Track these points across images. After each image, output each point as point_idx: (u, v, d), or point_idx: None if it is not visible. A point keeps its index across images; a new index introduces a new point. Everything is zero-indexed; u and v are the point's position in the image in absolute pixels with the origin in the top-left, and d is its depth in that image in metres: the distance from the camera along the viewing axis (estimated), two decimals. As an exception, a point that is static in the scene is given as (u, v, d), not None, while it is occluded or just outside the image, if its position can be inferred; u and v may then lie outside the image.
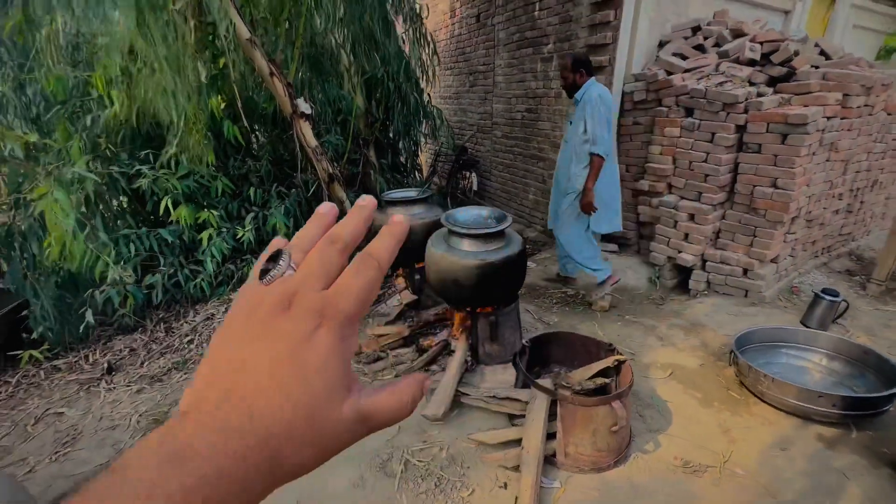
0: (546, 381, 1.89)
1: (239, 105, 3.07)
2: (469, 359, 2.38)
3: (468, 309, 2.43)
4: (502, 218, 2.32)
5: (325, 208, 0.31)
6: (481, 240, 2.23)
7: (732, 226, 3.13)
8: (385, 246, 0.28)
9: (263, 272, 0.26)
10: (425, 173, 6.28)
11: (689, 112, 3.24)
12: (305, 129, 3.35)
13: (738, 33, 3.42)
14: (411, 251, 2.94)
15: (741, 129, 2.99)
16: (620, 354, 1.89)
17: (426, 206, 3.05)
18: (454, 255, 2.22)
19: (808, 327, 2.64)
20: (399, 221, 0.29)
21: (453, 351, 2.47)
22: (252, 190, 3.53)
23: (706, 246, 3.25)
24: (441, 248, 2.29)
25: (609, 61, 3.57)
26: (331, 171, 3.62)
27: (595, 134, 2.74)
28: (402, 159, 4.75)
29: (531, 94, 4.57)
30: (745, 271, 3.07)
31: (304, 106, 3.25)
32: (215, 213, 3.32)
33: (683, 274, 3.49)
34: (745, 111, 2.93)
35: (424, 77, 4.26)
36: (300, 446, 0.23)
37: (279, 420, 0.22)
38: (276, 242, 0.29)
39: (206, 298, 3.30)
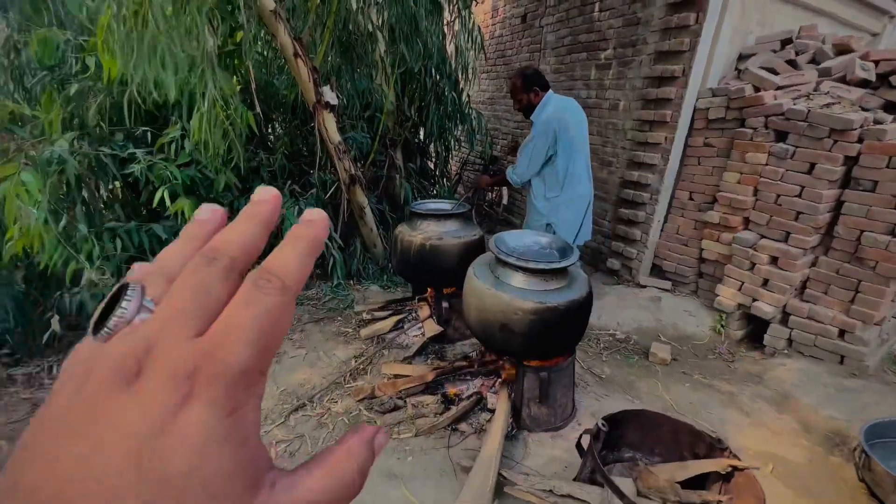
0: (626, 483, 1.39)
1: (254, 88, 2.64)
2: (511, 422, 1.88)
3: (513, 360, 1.94)
4: (568, 250, 1.84)
5: (205, 212, 0.21)
6: (541, 276, 1.75)
7: (827, 276, 2.60)
8: (293, 256, 0.19)
9: (98, 322, 0.16)
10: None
11: (782, 136, 2.73)
12: (329, 122, 2.91)
13: (842, 49, 2.92)
14: (441, 274, 2.47)
15: (850, 161, 2.48)
16: (736, 457, 1.39)
17: (462, 222, 2.58)
18: (504, 293, 1.74)
19: (934, 415, 2.10)
20: (314, 219, 0.20)
21: (488, 408, 1.98)
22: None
23: (790, 296, 2.72)
24: (487, 281, 1.81)
25: (683, 72, 3.09)
26: (353, 171, 3.18)
27: (520, 163, 2.60)
28: (432, 165, 4.30)
29: (580, 103, 4.09)
30: (842, 333, 2.53)
31: (330, 95, 2.82)
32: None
33: (755, 325, 2.96)
34: (860, 140, 2.42)
35: (465, 75, 3.81)
36: None
37: None
38: (135, 271, 0.19)
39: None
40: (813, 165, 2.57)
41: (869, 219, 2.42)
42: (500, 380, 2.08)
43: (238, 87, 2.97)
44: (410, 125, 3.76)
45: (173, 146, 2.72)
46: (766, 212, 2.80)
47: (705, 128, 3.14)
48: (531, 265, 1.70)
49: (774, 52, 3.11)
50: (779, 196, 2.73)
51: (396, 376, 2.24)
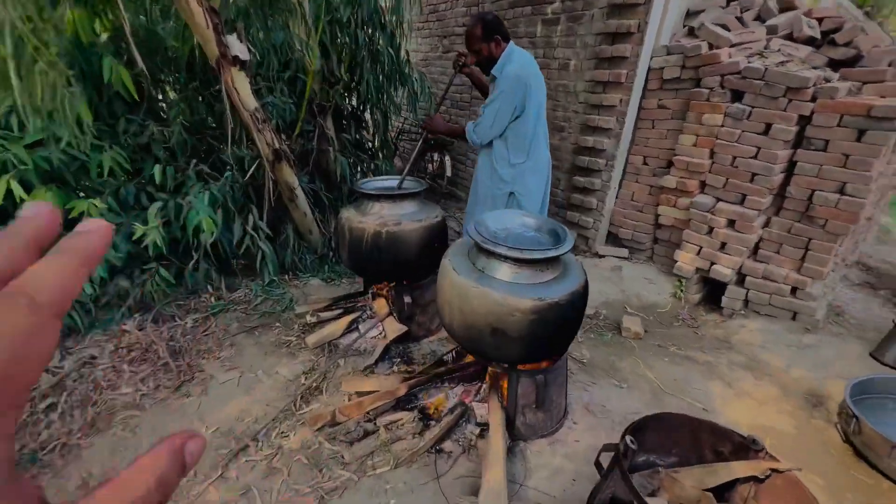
0: None
1: (128, 34, 1.95)
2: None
3: (503, 365, 1.66)
4: (561, 232, 1.56)
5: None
6: (536, 267, 1.46)
7: (779, 236, 2.65)
8: (54, 268, 0.16)
9: None
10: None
11: (738, 96, 2.68)
12: (240, 83, 2.31)
13: (786, 6, 2.91)
14: (402, 265, 2.10)
15: (803, 120, 2.48)
16: (774, 458, 1.25)
17: (419, 202, 2.21)
18: (494, 290, 1.43)
19: (882, 363, 2.24)
20: (88, 229, 0.18)
21: (476, 421, 1.71)
22: (157, 168, 2.42)
23: (745, 258, 2.76)
24: (469, 276, 1.49)
25: (639, 27, 2.90)
26: (277, 145, 2.61)
27: (483, 120, 2.22)
28: (369, 135, 3.78)
29: (526, 64, 3.80)
30: (794, 290, 2.62)
31: (239, 48, 2.21)
32: (98, 202, 2.20)
33: (711, 288, 3.00)
34: (813, 99, 2.41)
35: (400, 29, 3.30)
36: None
37: None
38: None
39: (80, 331, 2.20)
40: (769, 126, 2.55)
41: (820, 178, 2.46)
42: (484, 384, 1.80)
43: (104, 34, 2.22)
44: (341, 88, 3.21)
45: (13, 119, 1.97)
46: (723, 174, 2.77)
47: (659, 88, 3.02)
48: (526, 254, 1.40)
49: (722, 8, 3.04)
50: (735, 158, 2.70)
51: (360, 394, 1.87)
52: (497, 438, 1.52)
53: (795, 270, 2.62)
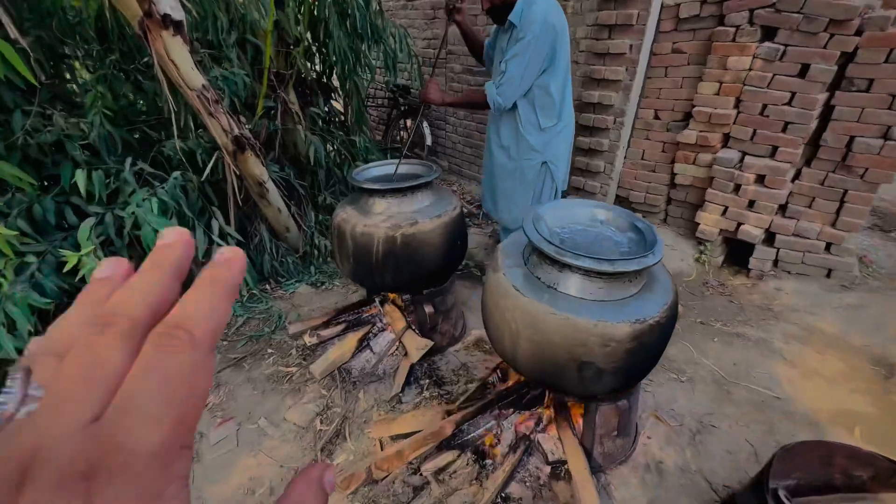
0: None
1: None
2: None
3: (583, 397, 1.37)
4: (645, 228, 1.23)
5: (106, 269, 0.18)
6: (624, 279, 1.14)
7: (811, 189, 2.46)
8: (201, 304, 0.16)
9: None
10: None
11: (769, 34, 2.36)
12: (177, 53, 1.74)
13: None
14: (422, 274, 1.73)
15: (844, 58, 2.21)
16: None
17: (432, 192, 1.80)
18: (578, 315, 1.10)
19: (931, 317, 2.14)
20: (228, 258, 0.17)
21: (545, 456, 1.43)
22: (80, 174, 1.85)
23: (774, 215, 2.57)
24: (540, 298, 1.15)
25: (652, -45, 2.48)
26: (237, 131, 2.08)
27: (509, 77, 1.78)
28: (340, 107, 3.21)
29: (512, 9, 3.30)
30: (828, 245, 2.47)
31: (169, 3, 1.62)
32: (2, 228, 1.64)
33: (733, 248, 2.83)
34: (858, 33, 2.14)
35: (366, -27, 2.70)
36: None
37: None
38: (32, 348, 0.16)
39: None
40: (806, 67, 2.27)
41: (862, 122, 2.24)
42: (545, 410, 1.51)
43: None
44: (303, 52, 2.62)
45: None
46: (751, 125, 2.51)
47: (674, 29, 2.66)
48: (620, 266, 1.07)
49: (739, -71, 2.65)
50: (765, 106, 2.43)
51: (397, 438, 1.54)
52: (584, 481, 1.25)
53: (829, 225, 2.45)
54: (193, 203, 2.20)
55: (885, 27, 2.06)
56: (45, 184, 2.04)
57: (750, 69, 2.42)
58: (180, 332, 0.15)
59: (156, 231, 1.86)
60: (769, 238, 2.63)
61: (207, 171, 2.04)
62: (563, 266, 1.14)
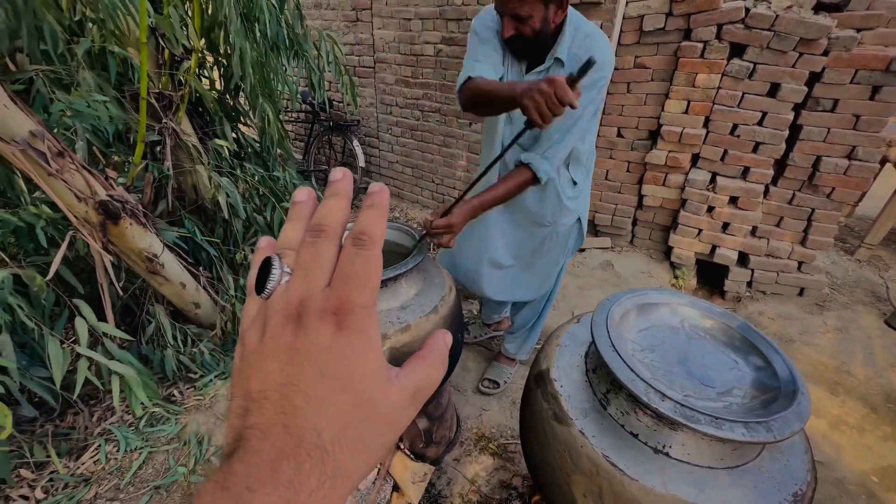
0: None
1: None
2: None
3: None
4: (765, 349, 0.90)
5: (301, 195, 0.28)
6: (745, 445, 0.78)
7: (780, 208, 2.42)
8: (372, 220, 0.25)
9: (259, 286, 0.24)
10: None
11: (738, 50, 2.24)
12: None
13: (759, -64, 2.50)
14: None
15: (811, 78, 2.16)
16: None
17: (418, 275, 1.31)
18: (698, 492, 0.73)
19: (903, 333, 2.19)
20: (378, 191, 0.26)
21: None
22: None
23: (747, 237, 2.50)
24: (650, 473, 0.76)
25: (615, -39, 2.23)
26: (103, 193, 1.39)
27: (568, 133, 1.26)
28: (253, 133, 2.52)
29: (452, 13, 2.90)
30: (800, 265, 2.45)
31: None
32: None
33: (705, 269, 2.74)
34: (825, 53, 2.08)
35: (275, -37, 2.07)
36: (357, 452, 0.21)
37: (334, 435, 0.20)
38: (263, 245, 0.28)
39: None
40: (776, 86, 2.19)
41: (828, 142, 2.21)
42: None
43: None
44: (195, 66, 1.92)
45: None
46: (721, 145, 2.40)
47: (636, 42, 2.45)
48: (778, 430, 0.71)
49: (690, -63, 2.52)
50: (736, 126, 2.32)
51: None
52: None
53: (799, 243, 2.44)
54: (42, 301, 1.45)
55: (851, 48, 2.02)
56: None
57: (719, 87, 2.30)
58: (364, 236, 0.24)
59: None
60: (741, 259, 2.57)
61: (56, 260, 1.31)
62: (679, 425, 0.75)
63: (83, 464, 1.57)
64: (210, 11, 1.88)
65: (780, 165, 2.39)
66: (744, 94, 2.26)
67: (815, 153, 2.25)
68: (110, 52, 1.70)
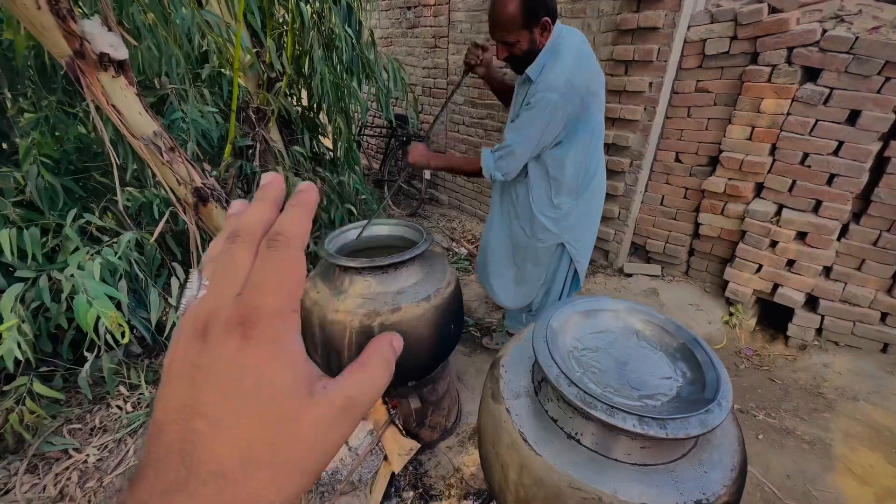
0: None
1: None
2: None
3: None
4: (700, 356, 0.92)
5: (234, 207, 0.27)
6: (679, 445, 0.81)
7: (861, 249, 2.14)
8: (292, 219, 0.24)
9: (178, 303, 0.14)
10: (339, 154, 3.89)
11: (812, 75, 2.08)
12: (119, 97, 1.46)
13: (854, -47, 2.31)
14: (403, 368, 1.41)
15: (902, 104, 1.92)
16: None
17: (421, 265, 1.49)
18: (614, 490, 0.78)
19: None
20: (305, 189, 0.25)
21: None
22: (6, 234, 1.56)
23: (818, 277, 2.24)
24: (558, 457, 0.85)
25: (675, -13, 2.23)
26: (199, 181, 1.79)
27: (511, 147, 1.44)
28: (329, 141, 2.95)
29: (518, 40, 3.06)
30: (884, 316, 2.13)
31: (107, 38, 1.35)
32: None
33: (768, 310, 2.49)
34: (918, 76, 1.85)
35: (358, 1, 2.45)
36: (270, 478, 0.19)
37: (239, 462, 0.19)
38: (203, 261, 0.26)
39: None
40: (856, 113, 1.98)
41: (924, 178, 1.93)
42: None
43: None
44: (286, 86, 2.36)
45: None
46: (789, 175, 2.21)
47: (699, 67, 2.38)
48: (673, 430, 0.74)
49: (770, -41, 2.40)
50: (807, 156, 2.13)
51: None
52: None
53: (885, 291, 2.12)
54: (150, 260, 1.91)
55: (954, 72, 1.77)
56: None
57: (788, 113, 2.14)
58: (280, 237, 0.22)
59: (90, 301, 1.55)
60: (811, 302, 2.30)
61: (158, 229, 1.75)
62: (610, 428, 0.82)
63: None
64: (299, 43, 2.30)
65: (865, 201, 2.12)
66: (817, 121, 2.07)
67: (906, 190, 1.97)
68: (224, 75, 2.18)
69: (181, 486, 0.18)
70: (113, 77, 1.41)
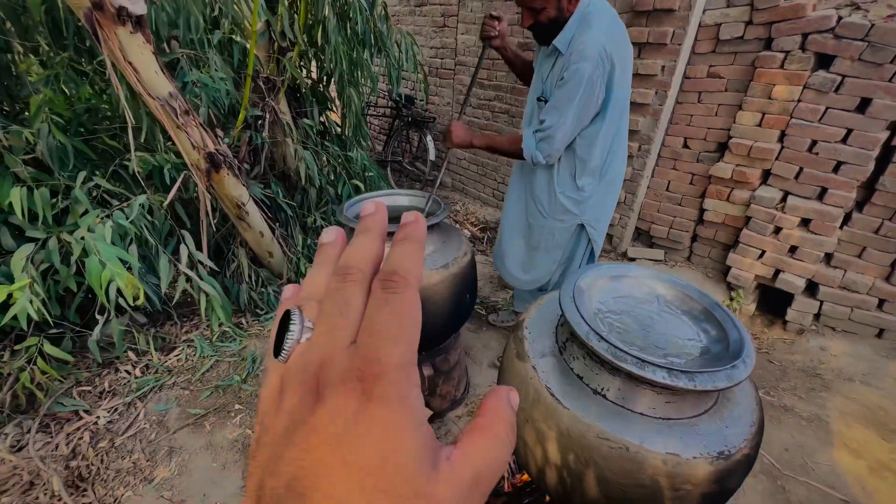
0: None
1: None
2: None
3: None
4: (722, 315, 0.94)
5: (328, 235, 0.25)
6: (699, 397, 0.84)
7: (863, 237, 2.18)
8: (404, 256, 0.21)
9: (276, 347, 0.20)
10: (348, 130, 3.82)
11: (824, 62, 2.10)
12: (136, 55, 1.44)
13: (872, -59, 2.31)
14: (425, 331, 1.39)
15: (912, 93, 1.95)
16: None
17: (439, 235, 1.50)
18: (648, 444, 0.81)
19: None
20: (413, 221, 0.23)
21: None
22: (17, 192, 1.54)
23: (819, 264, 2.29)
24: (586, 409, 0.87)
25: (693, -32, 2.21)
26: (211, 147, 1.78)
27: (557, 126, 1.40)
28: (336, 119, 2.92)
29: (530, 20, 3.04)
30: (881, 302, 2.19)
31: (126, -7, 1.32)
32: None
33: (767, 295, 2.54)
34: (930, 65, 1.87)
35: (371, -28, 2.41)
36: None
37: None
38: (287, 296, 0.24)
39: None
40: (867, 101, 2.00)
41: (929, 167, 1.97)
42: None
43: None
44: (297, 56, 2.33)
45: None
46: (796, 162, 2.24)
47: (712, 51, 2.39)
48: (701, 382, 0.77)
49: (788, -56, 2.39)
50: (815, 143, 2.16)
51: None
52: None
53: (883, 279, 2.17)
54: (160, 226, 1.89)
55: (965, 61, 1.80)
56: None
57: (799, 100, 2.16)
58: (396, 276, 0.20)
59: (103, 264, 1.54)
60: (810, 288, 2.35)
61: (172, 193, 1.73)
62: (632, 378, 0.84)
63: (169, 359, 1.99)
64: (312, 12, 2.27)
65: (869, 190, 2.16)
66: (827, 108, 2.09)
67: (910, 178, 2.01)
68: (234, 41, 2.14)
69: None
70: (130, 33, 1.38)
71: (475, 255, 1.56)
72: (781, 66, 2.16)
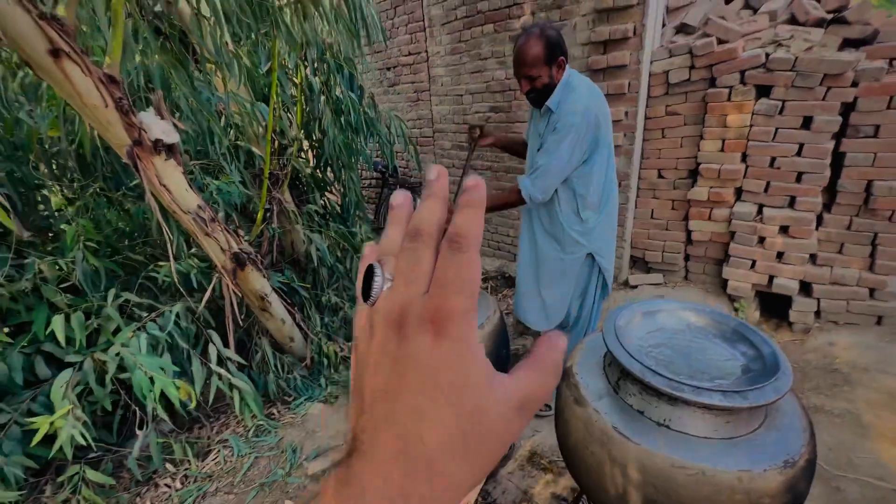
0: None
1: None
2: None
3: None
4: (754, 338, 1.05)
5: (398, 198, 0.29)
6: (748, 414, 0.93)
7: (839, 234, 2.38)
8: (467, 220, 0.24)
9: (364, 294, 0.24)
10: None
11: (764, 91, 2.40)
12: (170, 177, 1.57)
13: (776, -10, 2.72)
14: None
15: (845, 108, 2.24)
16: None
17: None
18: (713, 464, 0.87)
19: None
20: (474, 185, 0.25)
21: None
22: (58, 320, 1.59)
23: (806, 265, 2.47)
24: (654, 442, 0.93)
25: (635, 30, 2.56)
26: (235, 247, 1.88)
27: (546, 169, 1.62)
28: (334, 197, 3.09)
29: (497, 87, 3.37)
30: (872, 291, 2.35)
31: (161, 128, 1.48)
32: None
33: (768, 301, 2.69)
34: (854, 84, 2.17)
35: (354, 68, 2.69)
36: (463, 463, 0.21)
37: (438, 445, 0.20)
38: (367, 253, 0.28)
39: None
40: (808, 119, 2.28)
41: (877, 167, 2.22)
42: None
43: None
44: (296, 150, 2.52)
45: None
46: (763, 178, 2.48)
47: (665, 94, 2.69)
48: (754, 398, 0.86)
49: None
50: (774, 159, 2.41)
51: None
52: None
53: (867, 269, 2.35)
54: (189, 331, 1.94)
55: (881, 77, 2.10)
56: (8, 331, 1.75)
57: (752, 125, 2.43)
58: (461, 238, 0.23)
59: (152, 379, 1.57)
60: (805, 288, 2.51)
61: (206, 296, 1.80)
62: (677, 401, 0.92)
63: (206, 464, 1.95)
64: (308, 110, 2.49)
65: (832, 193, 2.39)
66: (777, 129, 2.37)
67: (864, 178, 2.25)
68: (238, 145, 2.32)
69: (397, 461, 0.20)
70: (164, 160, 1.52)
71: (501, 311, 1.66)
72: (728, 99, 2.46)
